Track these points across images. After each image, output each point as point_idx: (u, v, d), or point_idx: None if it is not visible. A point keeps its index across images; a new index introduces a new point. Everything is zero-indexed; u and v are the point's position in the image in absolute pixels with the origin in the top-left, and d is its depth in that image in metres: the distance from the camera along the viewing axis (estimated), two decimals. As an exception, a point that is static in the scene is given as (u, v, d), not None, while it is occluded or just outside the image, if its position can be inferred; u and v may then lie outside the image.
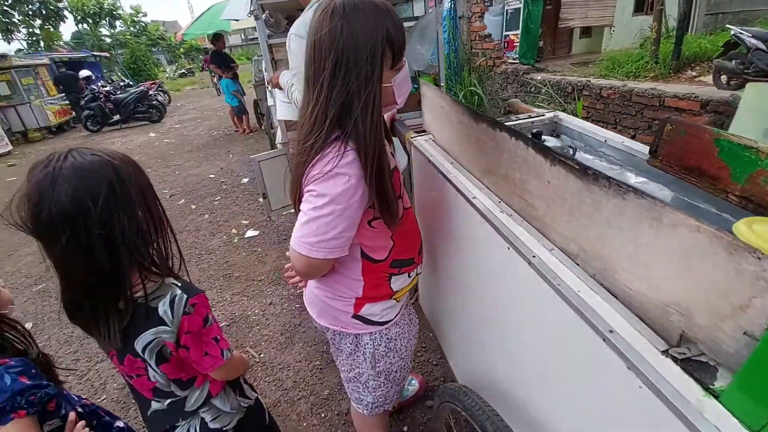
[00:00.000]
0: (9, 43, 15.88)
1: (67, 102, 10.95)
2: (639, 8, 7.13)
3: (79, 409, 1.08)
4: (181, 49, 32.42)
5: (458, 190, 1.00)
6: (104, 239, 0.72)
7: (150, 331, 0.77)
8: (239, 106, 7.41)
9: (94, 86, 10.04)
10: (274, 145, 5.62)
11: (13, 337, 0.93)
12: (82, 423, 1.03)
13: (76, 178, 0.71)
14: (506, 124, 0.88)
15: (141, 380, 0.84)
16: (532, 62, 5.28)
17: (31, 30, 16.42)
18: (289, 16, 2.60)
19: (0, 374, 0.83)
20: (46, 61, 11.34)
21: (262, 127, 7.77)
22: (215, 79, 12.37)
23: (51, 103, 10.46)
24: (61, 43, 18.27)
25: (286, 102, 2.15)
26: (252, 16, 2.29)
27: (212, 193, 4.82)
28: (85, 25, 20.58)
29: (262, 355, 2.22)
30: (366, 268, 1.02)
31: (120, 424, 1.17)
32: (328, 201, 0.84)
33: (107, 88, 10.13)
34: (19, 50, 15.57)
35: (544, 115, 1.39)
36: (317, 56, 0.81)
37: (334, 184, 0.84)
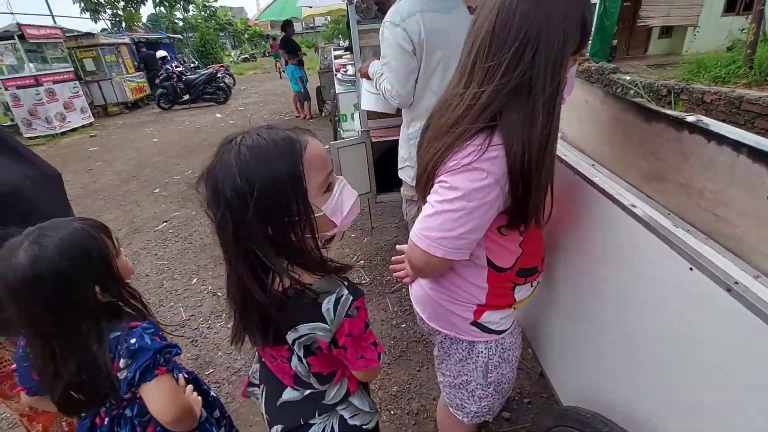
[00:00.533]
0: (95, 22, 17.16)
1: (144, 80, 11.69)
2: (730, 8, 6.44)
3: (185, 375, 1.10)
4: (246, 35, 33.67)
5: (608, 196, 0.88)
6: (225, 242, 0.69)
7: (307, 325, 0.72)
8: (303, 92, 7.53)
9: (168, 66, 10.60)
10: (337, 132, 5.65)
11: (133, 306, 0.94)
12: (190, 387, 1.04)
13: (217, 174, 0.67)
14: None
15: (282, 366, 0.81)
16: (605, 61, 4.92)
17: (114, 11, 17.63)
18: (378, 1, 2.54)
19: (140, 335, 0.84)
20: (127, 40, 12.14)
21: (323, 114, 7.89)
22: (279, 64, 12.72)
23: (129, 80, 11.20)
24: (140, 24, 19.49)
25: (374, 93, 2.10)
26: (345, 1, 2.24)
27: (276, 175, 4.91)
28: (161, 8, 21.80)
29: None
30: (491, 276, 0.94)
31: (213, 394, 1.18)
32: (459, 196, 0.76)
33: (180, 69, 10.66)
34: (104, 29, 16.75)
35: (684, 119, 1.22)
36: (499, 34, 0.71)
37: (469, 179, 0.75)
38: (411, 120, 1.77)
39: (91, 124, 9.31)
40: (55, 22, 13.28)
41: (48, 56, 8.97)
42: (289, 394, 0.83)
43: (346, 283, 0.74)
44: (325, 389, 0.82)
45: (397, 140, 2.55)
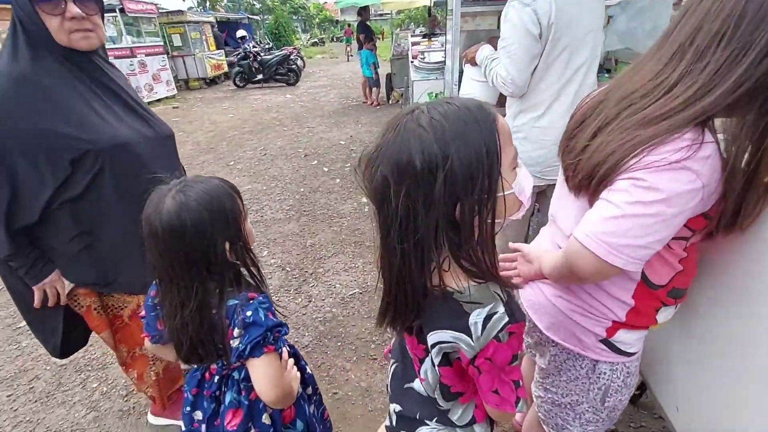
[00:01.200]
0: (183, 0, 18.26)
1: (222, 57, 12.29)
2: None
3: (288, 349, 1.10)
4: (317, 20, 34.38)
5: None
6: (404, 220, 0.59)
7: (451, 333, 0.64)
8: (374, 78, 7.53)
9: (246, 46, 11.04)
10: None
11: (252, 274, 0.94)
12: (291, 361, 1.04)
13: (399, 147, 0.59)
14: None
15: (415, 361, 0.77)
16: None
17: (201, -9, 18.68)
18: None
19: (256, 308, 0.84)
20: (211, 19, 12.80)
21: (390, 101, 7.86)
22: (349, 49, 12.80)
23: (210, 57, 11.81)
24: (222, 4, 20.50)
25: (479, 80, 2.00)
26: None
27: (342, 158, 4.95)
28: (242, -10, 22.80)
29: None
30: (640, 292, 0.83)
31: (309, 371, 1.18)
32: (660, 199, 0.65)
33: (256, 49, 11.08)
34: (190, 8, 17.81)
35: None
36: (753, 16, 0.59)
37: (675, 179, 0.64)
38: (519, 111, 1.66)
39: (174, 96, 9.97)
40: (149, -2, 14.28)
41: (143, 30, 9.68)
42: (418, 385, 0.78)
43: (504, 299, 0.64)
44: (449, 408, 0.75)
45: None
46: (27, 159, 1.03)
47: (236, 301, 0.85)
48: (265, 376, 0.85)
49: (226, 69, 12.39)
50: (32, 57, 1.02)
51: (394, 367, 0.87)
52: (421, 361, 0.73)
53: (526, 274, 0.96)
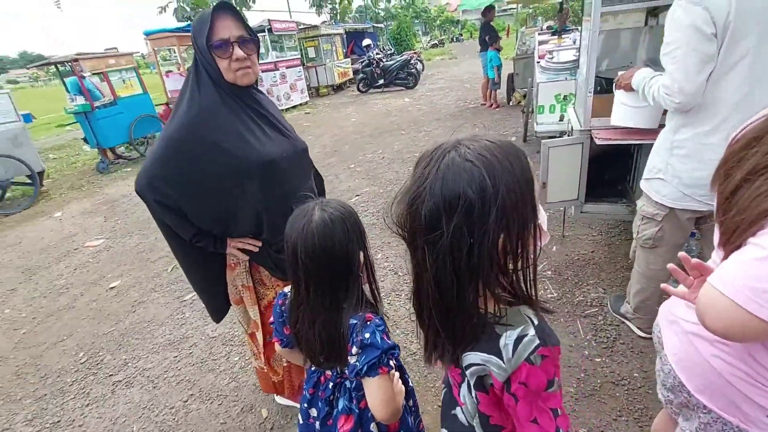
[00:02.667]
0: (318, 15, 20.13)
1: (348, 65, 13.23)
2: None
3: (395, 363, 1.15)
4: (438, 21, 34.56)
5: None
6: (456, 253, 0.60)
7: (481, 355, 0.64)
8: (496, 79, 7.28)
9: (371, 53, 11.69)
10: (528, 124, 5.27)
11: (373, 294, 0.99)
12: (397, 374, 1.08)
13: (442, 182, 0.59)
14: None
15: (454, 385, 0.76)
16: None
17: (333, 5, 20.33)
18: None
19: (373, 331, 0.88)
20: (341, 31, 13.88)
21: (510, 103, 7.49)
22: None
23: (338, 66, 12.84)
24: (350, 15, 22.01)
25: (631, 106, 1.81)
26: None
27: (458, 164, 4.89)
28: (369, 0, 24.12)
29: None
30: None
31: (411, 384, 1.21)
32: None
33: (379, 56, 11.65)
34: (323, 22, 19.56)
35: None
36: None
37: None
38: (682, 125, 1.43)
39: (306, 103, 11.09)
40: (290, 16, 16.14)
41: (285, 46, 10.98)
42: (460, 413, 0.76)
43: (535, 322, 0.63)
44: None
45: (624, 146, 2.17)
46: (208, 167, 1.26)
47: (356, 321, 0.90)
48: (378, 395, 0.89)
49: (351, 75, 13.31)
50: (210, 91, 1.25)
51: (444, 392, 0.88)
52: (459, 385, 0.71)
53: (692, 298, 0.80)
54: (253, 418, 1.89)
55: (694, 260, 0.81)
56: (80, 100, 6.27)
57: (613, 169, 2.51)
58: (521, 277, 0.64)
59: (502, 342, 0.62)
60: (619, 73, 1.86)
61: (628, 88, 1.69)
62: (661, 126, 1.61)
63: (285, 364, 1.72)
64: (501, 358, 0.62)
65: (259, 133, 1.32)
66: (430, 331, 0.71)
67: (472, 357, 0.66)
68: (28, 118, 5.97)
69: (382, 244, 3.32)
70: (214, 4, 1.28)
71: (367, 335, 0.87)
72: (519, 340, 0.62)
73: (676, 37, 1.29)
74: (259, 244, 1.43)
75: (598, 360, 1.97)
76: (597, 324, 2.16)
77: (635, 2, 2.10)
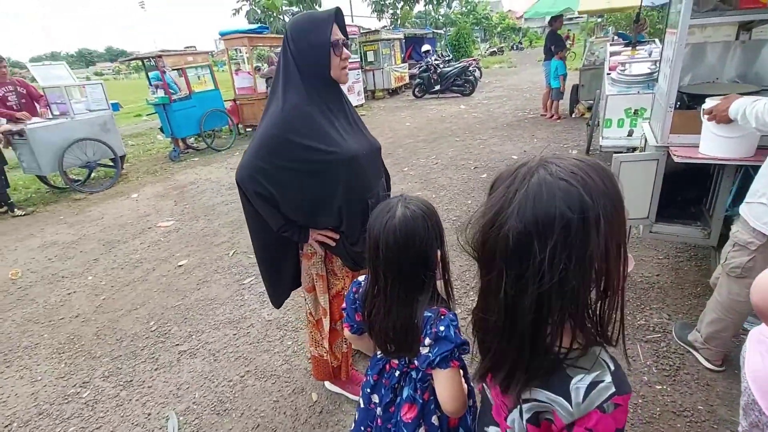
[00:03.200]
0: (379, 20, 20.53)
1: (405, 70, 13.35)
2: None
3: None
4: (498, 29, 33.95)
5: None
6: (549, 278, 0.55)
7: (547, 394, 0.61)
8: (559, 89, 7.06)
9: (429, 59, 11.74)
10: (591, 138, 5.07)
11: (446, 291, 1.03)
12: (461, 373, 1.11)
13: (534, 202, 0.56)
14: None
15: (499, 410, 0.75)
16: None
17: (394, 11, 20.64)
18: (723, -14, 2.02)
19: (447, 325, 0.92)
20: (400, 36, 14.04)
21: (573, 115, 7.22)
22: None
23: (395, 70, 12.99)
24: (411, 20, 22.22)
25: (722, 136, 1.73)
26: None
27: (513, 174, 4.80)
28: (429, 6, 24.21)
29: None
30: None
31: (471, 384, 1.23)
32: None
33: (437, 62, 11.66)
34: (384, 26, 19.89)
35: None
36: None
37: None
38: None
39: (362, 105, 11.33)
40: (353, 20, 16.58)
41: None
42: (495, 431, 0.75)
43: (611, 368, 0.60)
44: None
45: (703, 166, 2.05)
46: (302, 163, 1.37)
47: (430, 314, 0.94)
48: (448, 387, 0.93)
49: (407, 80, 13.43)
50: (300, 91, 1.35)
51: (481, 402, 0.87)
52: (509, 410, 0.69)
53: None
54: (303, 400, 1.98)
55: None
56: (160, 92, 6.84)
57: (687, 190, 2.37)
58: (605, 309, 0.60)
59: (573, 384, 0.59)
60: (709, 102, 1.76)
61: (725, 120, 1.60)
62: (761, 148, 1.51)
63: (345, 350, 1.81)
64: (569, 400, 0.59)
65: (342, 131, 1.41)
66: (493, 356, 0.67)
67: (536, 393, 0.63)
68: (116, 107, 6.58)
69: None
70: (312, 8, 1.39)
71: (441, 328, 0.91)
72: (593, 385, 0.58)
73: None
74: (337, 237, 1.51)
75: (658, 387, 1.87)
76: (659, 350, 2.05)
77: (728, 15, 1.99)
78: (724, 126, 1.74)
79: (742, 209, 1.56)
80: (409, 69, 13.82)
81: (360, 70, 11.53)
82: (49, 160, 5.36)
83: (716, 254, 2.42)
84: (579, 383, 0.59)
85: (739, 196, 2.09)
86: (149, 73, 7.40)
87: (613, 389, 0.58)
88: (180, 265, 3.47)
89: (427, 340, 0.92)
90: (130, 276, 3.40)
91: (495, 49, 29.49)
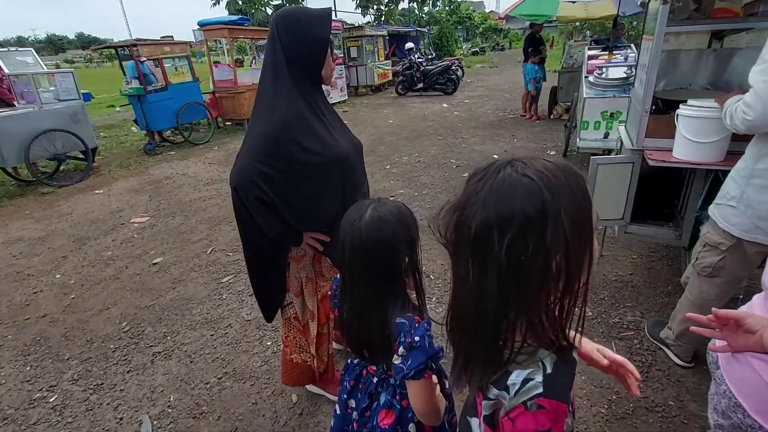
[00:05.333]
0: (363, 16, 20.39)
1: (389, 67, 13.32)
2: None
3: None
4: (480, 29, 34.27)
5: None
6: (506, 269, 0.57)
7: (494, 391, 0.64)
8: (534, 92, 7.19)
9: (412, 57, 11.74)
10: (569, 139, 5.18)
11: (418, 298, 1.02)
12: (436, 381, 1.11)
13: (497, 195, 0.57)
14: None
15: (479, 402, 0.74)
16: None
17: (378, 7, 20.53)
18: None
19: (423, 335, 0.90)
20: (384, 33, 14.00)
21: (551, 116, 7.36)
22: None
23: (378, 67, 12.95)
24: (395, 18, 22.15)
25: (692, 140, 1.80)
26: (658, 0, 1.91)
27: (494, 174, 4.85)
28: (413, 4, 24.19)
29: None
30: None
31: (447, 386, 1.23)
32: None
33: (421, 60, 11.68)
34: (368, 23, 19.77)
35: None
36: None
37: None
38: (766, 153, 1.39)
39: (345, 101, 11.25)
40: (336, 15, 16.39)
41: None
42: (475, 423, 0.75)
43: (548, 369, 0.60)
44: None
45: (676, 168, 2.12)
46: (300, 165, 1.34)
47: (404, 321, 0.92)
48: (421, 397, 0.93)
49: (390, 77, 13.41)
50: (291, 91, 1.32)
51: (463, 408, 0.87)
52: (476, 413, 0.70)
53: (739, 345, 0.81)
54: (283, 402, 1.95)
55: (722, 312, 0.81)
56: (135, 83, 6.60)
57: (660, 192, 2.44)
58: (563, 308, 0.61)
59: (510, 379, 0.61)
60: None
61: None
62: (739, 153, 1.55)
63: (330, 352, 1.79)
64: (507, 394, 0.61)
65: (332, 130, 1.40)
66: (461, 351, 0.68)
67: (489, 391, 0.64)
68: (87, 96, 6.30)
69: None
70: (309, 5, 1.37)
71: (417, 338, 0.89)
72: (524, 382, 0.60)
73: None
74: (328, 238, 1.49)
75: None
76: (632, 347, 2.12)
77: (701, 24, 2.05)
78: (696, 131, 1.79)
79: (711, 210, 1.61)
80: (393, 66, 13.80)
81: (343, 66, 11.44)
82: (14, 151, 5.10)
83: (687, 254, 2.51)
84: (515, 379, 0.61)
85: (709, 199, 2.17)
86: (124, 63, 7.14)
87: (540, 390, 0.59)
88: (155, 263, 3.37)
89: (401, 349, 0.90)
90: (101, 274, 3.27)
91: (477, 49, 29.77)
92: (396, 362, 0.91)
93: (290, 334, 1.75)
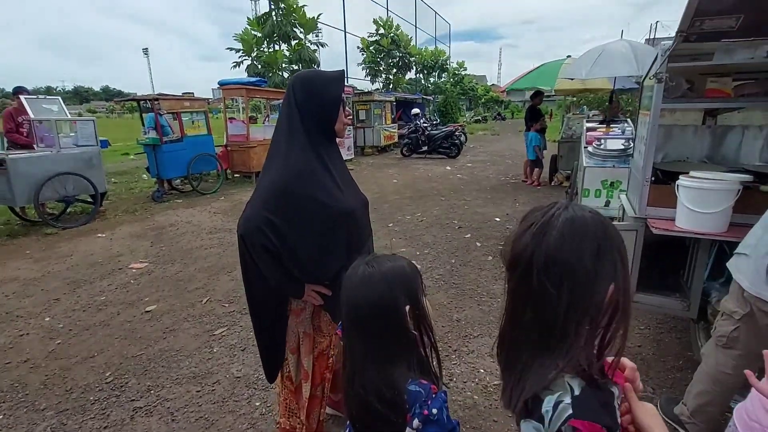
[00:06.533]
0: (372, 83, 21.73)
1: (395, 130, 13.95)
2: None
3: None
4: (482, 99, 36.35)
5: None
6: (568, 296, 0.63)
7: (533, 423, 0.65)
8: (536, 159, 7.45)
9: (418, 122, 12.35)
10: (570, 207, 5.25)
11: (430, 361, 0.97)
12: None
13: (567, 227, 0.65)
14: None
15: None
16: None
17: (387, 76, 21.95)
18: (689, 80, 2.22)
19: (440, 408, 0.84)
20: (392, 99, 14.85)
21: (552, 183, 7.55)
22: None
23: (385, 129, 13.57)
24: (402, 86, 23.60)
25: (701, 212, 1.85)
26: (654, 79, 2.04)
27: (497, 236, 4.88)
28: (420, 75, 25.89)
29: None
30: None
31: None
32: None
33: (426, 124, 12.27)
34: (377, 89, 21.05)
35: None
36: None
37: None
38: None
39: (351, 160, 11.63)
40: (347, 81, 17.52)
41: (339, 106, 11.81)
42: None
43: (576, 391, 0.62)
44: None
45: (680, 238, 2.13)
46: (309, 217, 1.35)
47: (420, 389, 0.86)
48: None
49: (395, 140, 13.99)
50: (305, 145, 1.37)
51: None
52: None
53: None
54: (267, 471, 1.79)
55: None
56: (152, 133, 6.90)
57: (665, 262, 2.43)
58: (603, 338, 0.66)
59: (544, 407, 0.62)
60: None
61: None
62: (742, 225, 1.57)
63: (321, 418, 1.67)
64: (543, 423, 0.62)
65: (341, 185, 1.43)
66: (515, 369, 0.71)
67: (524, 426, 0.66)
68: (105, 143, 6.56)
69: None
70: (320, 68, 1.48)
71: (434, 411, 0.83)
72: (556, 406, 0.61)
73: None
74: (329, 292, 1.46)
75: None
76: (646, 428, 1.97)
77: (695, 102, 2.17)
78: (698, 201, 1.83)
79: (730, 264, 1.59)
80: (399, 129, 14.45)
81: (352, 127, 12.00)
82: (25, 191, 5.19)
83: (696, 327, 2.44)
84: (547, 406, 0.62)
85: (715, 270, 2.15)
86: (144, 114, 7.51)
87: (570, 411, 0.60)
88: (147, 311, 3.27)
89: (416, 422, 0.84)
90: (91, 319, 3.17)
91: (479, 117, 31.35)
92: None
93: (282, 394, 1.66)
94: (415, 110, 13.65)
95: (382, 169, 10.43)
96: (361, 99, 13.26)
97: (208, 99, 8.61)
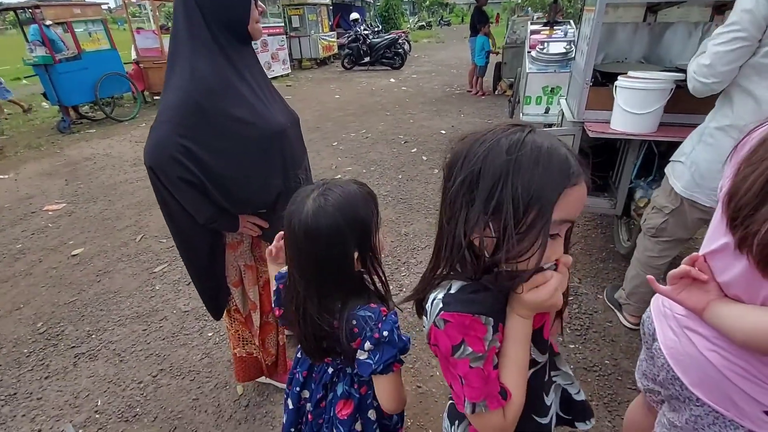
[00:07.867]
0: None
1: (334, 39, 12.80)
2: None
3: None
4: (426, 3, 33.93)
5: None
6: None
7: (425, 320, 0.70)
8: (484, 66, 7.25)
9: (358, 29, 11.35)
10: (513, 114, 5.29)
11: (378, 288, 0.94)
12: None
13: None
14: None
15: None
16: None
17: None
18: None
19: (391, 329, 0.84)
20: (327, 1, 13.34)
21: (496, 92, 7.48)
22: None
23: (323, 39, 12.40)
24: (338, -13, 21.25)
25: (629, 112, 1.86)
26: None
27: (442, 149, 4.74)
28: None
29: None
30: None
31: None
32: None
33: (367, 32, 11.33)
34: (309, -9, 18.79)
35: None
36: None
37: None
38: (721, 114, 1.47)
39: (288, 75, 10.69)
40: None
41: (267, 11, 10.45)
42: None
43: (453, 290, 0.65)
44: None
45: (611, 140, 2.19)
46: (230, 137, 1.17)
47: (369, 313, 0.84)
48: (390, 390, 0.88)
49: (336, 50, 12.92)
50: (214, 50, 1.13)
51: None
52: None
53: (684, 300, 0.78)
54: (227, 395, 1.83)
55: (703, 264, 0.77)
56: (41, 51, 5.77)
57: (596, 164, 2.54)
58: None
59: (427, 304, 0.67)
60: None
61: None
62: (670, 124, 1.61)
63: (281, 343, 1.67)
64: (427, 318, 0.67)
65: (265, 99, 1.23)
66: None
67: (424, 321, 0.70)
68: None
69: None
70: None
71: (385, 333, 0.82)
72: (433, 302, 0.65)
73: (734, 19, 1.30)
74: (267, 224, 1.35)
75: (571, 346, 2.02)
76: (571, 312, 2.22)
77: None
78: (633, 102, 1.84)
79: (667, 168, 1.71)
80: (338, 38, 13.28)
81: (285, 36, 10.80)
82: None
83: (619, 222, 2.66)
84: (428, 303, 0.67)
85: (642, 170, 2.28)
86: (26, 28, 6.19)
87: (441, 306, 0.63)
88: (74, 255, 3.01)
89: (367, 344, 0.83)
90: (9, 270, 2.88)
91: (423, 23, 29.51)
92: (362, 357, 0.84)
93: (232, 327, 1.62)
94: (355, 15, 12.47)
95: (323, 84, 9.74)
96: (293, 2, 11.79)
97: (104, 3, 7.20)
